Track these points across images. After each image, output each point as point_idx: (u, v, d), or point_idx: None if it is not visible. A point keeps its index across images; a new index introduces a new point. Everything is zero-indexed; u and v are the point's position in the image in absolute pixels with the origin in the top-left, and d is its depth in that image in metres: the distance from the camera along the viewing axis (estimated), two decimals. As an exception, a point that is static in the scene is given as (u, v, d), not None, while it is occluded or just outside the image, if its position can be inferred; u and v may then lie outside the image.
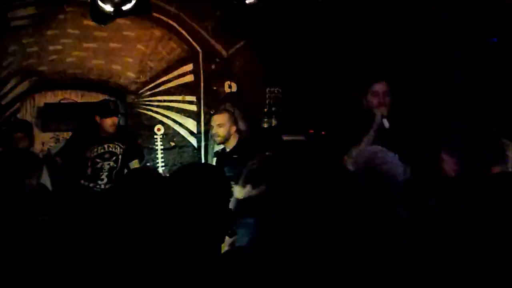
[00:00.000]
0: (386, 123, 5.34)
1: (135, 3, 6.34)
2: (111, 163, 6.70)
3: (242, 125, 6.96)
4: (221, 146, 6.72)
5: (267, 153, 5.70)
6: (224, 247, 3.24)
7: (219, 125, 6.37)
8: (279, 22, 7.23)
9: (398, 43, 7.15)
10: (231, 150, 6.41)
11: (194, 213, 2.70)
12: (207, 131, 7.76)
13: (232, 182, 4.37)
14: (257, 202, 3.52)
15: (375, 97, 5.45)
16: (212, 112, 7.65)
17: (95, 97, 7.39)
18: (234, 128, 6.42)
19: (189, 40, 7.82)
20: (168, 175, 7.21)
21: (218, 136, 6.41)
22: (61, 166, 6.58)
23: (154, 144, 7.77)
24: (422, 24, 7.00)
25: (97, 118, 6.59)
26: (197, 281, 2.53)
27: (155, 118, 7.80)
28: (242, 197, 5.20)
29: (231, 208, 3.03)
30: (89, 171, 6.62)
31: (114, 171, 6.73)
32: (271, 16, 7.10)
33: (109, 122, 6.57)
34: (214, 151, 7.50)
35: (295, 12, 7.09)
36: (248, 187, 5.67)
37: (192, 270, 2.55)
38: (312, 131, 6.88)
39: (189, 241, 2.65)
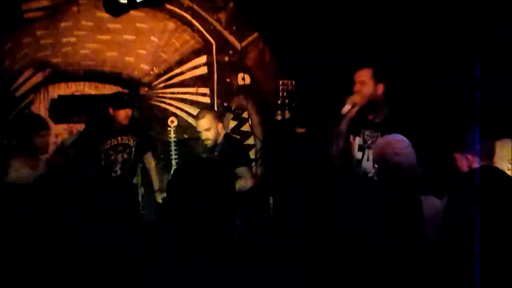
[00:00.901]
0: (346, 108, 5.40)
1: None
2: (125, 155, 6.75)
3: (254, 117, 7.01)
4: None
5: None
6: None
7: (207, 130, 6.34)
8: (292, 14, 7.14)
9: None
10: (222, 147, 6.39)
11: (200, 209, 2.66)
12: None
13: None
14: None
15: (356, 84, 5.51)
16: (226, 105, 7.82)
17: (109, 89, 7.40)
18: (220, 125, 6.41)
19: (203, 32, 7.80)
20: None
21: (209, 139, 6.38)
22: (75, 157, 6.54)
23: (168, 137, 7.75)
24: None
25: (111, 110, 6.61)
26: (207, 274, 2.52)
27: (168, 110, 7.78)
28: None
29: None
30: (103, 163, 6.65)
31: (127, 163, 6.79)
32: (285, 8, 7.03)
33: (123, 114, 6.59)
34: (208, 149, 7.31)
35: (309, 4, 7.01)
36: (245, 178, 5.98)
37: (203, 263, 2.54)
38: (299, 129, 6.98)
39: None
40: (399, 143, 3.85)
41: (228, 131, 7.07)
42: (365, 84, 5.43)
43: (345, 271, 2.69)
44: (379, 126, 5.31)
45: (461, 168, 4.36)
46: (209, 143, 6.40)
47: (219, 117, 6.61)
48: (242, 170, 5.98)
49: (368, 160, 5.10)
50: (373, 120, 5.41)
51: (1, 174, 5.60)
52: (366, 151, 5.23)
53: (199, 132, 6.42)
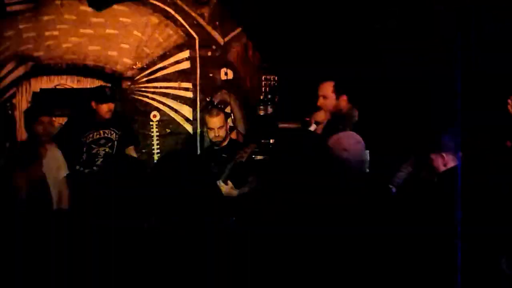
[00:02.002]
0: (312, 128, 5.49)
1: None
2: (106, 149, 6.73)
3: (237, 112, 7.03)
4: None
5: (262, 141, 5.81)
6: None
7: (220, 128, 6.42)
8: (276, 10, 7.11)
9: (397, 39, 6.96)
10: (222, 148, 6.47)
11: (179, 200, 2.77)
12: (202, 118, 7.67)
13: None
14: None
15: (319, 99, 5.60)
16: (208, 100, 7.79)
17: (91, 83, 7.39)
18: (227, 126, 6.54)
19: (186, 27, 7.77)
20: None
21: (221, 137, 6.44)
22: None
23: (150, 131, 7.75)
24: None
25: (93, 104, 6.62)
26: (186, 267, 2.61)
27: (151, 104, 7.77)
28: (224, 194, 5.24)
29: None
30: (84, 156, 6.64)
31: (109, 157, 6.69)
32: (268, 4, 7.03)
33: (105, 108, 6.60)
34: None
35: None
36: (230, 185, 5.81)
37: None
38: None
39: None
40: (348, 139, 3.84)
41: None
42: (327, 98, 5.52)
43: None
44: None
45: (438, 168, 4.41)
46: (219, 140, 6.47)
47: (226, 117, 6.70)
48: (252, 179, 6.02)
49: None
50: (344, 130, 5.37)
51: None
52: None
53: (212, 129, 6.43)
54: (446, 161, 4.40)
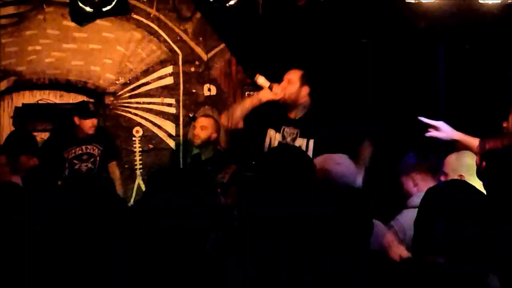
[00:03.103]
0: (261, 79, 5.38)
1: (114, 4, 6.53)
2: (89, 165, 6.77)
3: (220, 128, 6.88)
4: (197, 151, 6.88)
5: (246, 173, 5.75)
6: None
7: (202, 127, 6.52)
8: (258, 26, 7.12)
9: (379, 49, 7.04)
10: (206, 160, 6.55)
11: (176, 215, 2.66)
12: (185, 134, 7.81)
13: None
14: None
15: (283, 81, 5.50)
16: (190, 115, 7.73)
17: (74, 98, 7.40)
18: (215, 135, 6.55)
19: (169, 43, 7.76)
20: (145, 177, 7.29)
21: (199, 138, 6.55)
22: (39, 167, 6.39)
23: (132, 146, 7.73)
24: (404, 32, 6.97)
25: (76, 120, 6.66)
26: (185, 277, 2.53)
27: (133, 120, 7.75)
28: None
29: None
30: (66, 172, 6.68)
31: (92, 172, 6.77)
32: (251, 20, 7.03)
33: (89, 124, 6.64)
34: (193, 153, 7.46)
35: (274, 15, 7.03)
36: None
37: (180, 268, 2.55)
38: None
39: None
40: (338, 155, 3.82)
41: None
42: (292, 83, 5.46)
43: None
44: (299, 124, 5.41)
45: (409, 191, 4.36)
46: (198, 141, 6.58)
47: (218, 129, 6.66)
48: None
49: None
50: (294, 118, 5.46)
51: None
52: None
53: (195, 127, 6.68)
54: (415, 182, 4.36)
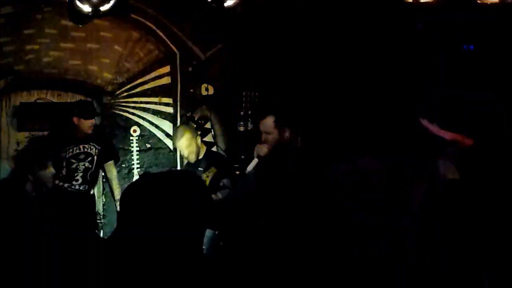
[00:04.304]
0: (250, 167, 5.51)
1: (113, 4, 6.49)
2: (86, 164, 6.75)
3: (217, 128, 7.18)
4: None
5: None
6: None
7: (188, 148, 6.47)
8: (256, 26, 7.31)
9: (375, 52, 7.21)
10: (196, 161, 6.52)
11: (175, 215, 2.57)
12: None
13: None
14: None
15: (262, 134, 5.63)
16: (188, 115, 7.78)
17: (72, 97, 7.40)
18: (199, 139, 6.55)
19: (167, 42, 7.81)
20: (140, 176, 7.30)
21: (192, 155, 6.49)
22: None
23: (130, 146, 7.75)
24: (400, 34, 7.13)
25: (75, 119, 6.63)
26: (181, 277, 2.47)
27: (131, 119, 7.78)
28: None
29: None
30: (64, 171, 6.65)
31: (89, 172, 6.79)
32: (249, 20, 7.15)
33: (88, 124, 6.65)
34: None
35: (272, 16, 7.15)
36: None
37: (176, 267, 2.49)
38: None
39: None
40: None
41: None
42: (270, 133, 5.54)
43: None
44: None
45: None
46: (192, 158, 6.50)
47: (195, 131, 6.72)
48: (226, 181, 6.18)
49: None
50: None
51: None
52: None
53: (181, 150, 6.59)
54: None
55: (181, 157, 7.74)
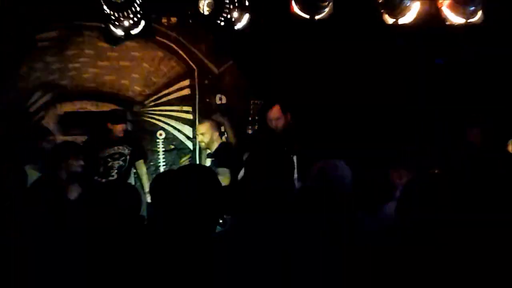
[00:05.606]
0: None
1: (141, 29, 6.51)
2: (120, 162, 7.03)
3: (229, 131, 7.12)
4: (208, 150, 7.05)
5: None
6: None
7: (202, 134, 6.77)
8: (261, 46, 7.37)
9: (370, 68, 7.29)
10: (211, 153, 6.86)
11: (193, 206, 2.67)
12: None
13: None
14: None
15: (270, 122, 6.10)
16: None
17: (107, 107, 7.52)
18: (216, 134, 6.82)
19: (186, 60, 7.98)
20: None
21: (202, 142, 6.85)
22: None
23: (157, 147, 7.97)
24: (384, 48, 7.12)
25: (109, 125, 6.90)
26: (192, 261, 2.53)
27: (157, 124, 7.96)
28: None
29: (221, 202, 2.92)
30: (101, 169, 6.92)
31: (123, 169, 7.05)
32: (255, 41, 7.17)
33: (119, 128, 6.90)
34: (207, 153, 7.50)
35: (273, 38, 7.20)
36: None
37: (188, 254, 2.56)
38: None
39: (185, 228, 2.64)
40: (336, 161, 3.86)
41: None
42: (280, 118, 6.05)
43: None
44: (291, 148, 5.77)
45: (394, 182, 4.52)
46: (202, 145, 6.85)
47: (217, 127, 6.93)
48: (223, 170, 6.28)
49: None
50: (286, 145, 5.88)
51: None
52: None
53: (197, 135, 6.86)
54: (401, 177, 4.47)
55: (200, 155, 8.01)
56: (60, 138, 7.05)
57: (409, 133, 6.83)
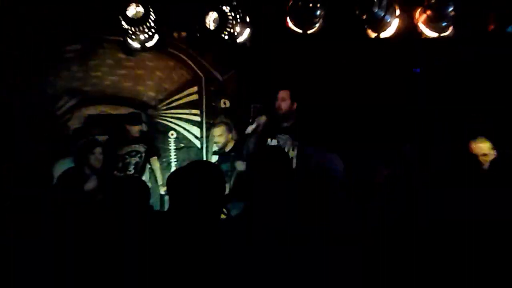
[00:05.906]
0: (249, 130, 5.84)
1: (155, 42, 6.68)
2: (137, 159, 7.37)
3: (233, 132, 7.30)
4: (216, 148, 7.35)
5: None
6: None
7: (219, 136, 7.02)
8: (260, 56, 7.60)
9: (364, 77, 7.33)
10: (229, 150, 7.06)
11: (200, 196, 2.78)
12: (207, 136, 8.24)
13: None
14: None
15: (276, 101, 5.99)
16: (211, 122, 8.20)
17: (125, 110, 7.81)
18: (230, 135, 7.10)
19: (195, 69, 8.25)
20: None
21: (219, 143, 7.07)
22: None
23: (168, 145, 8.28)
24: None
25: (127, 126, 7.27)
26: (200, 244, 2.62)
27: (169, 126, 8.25)
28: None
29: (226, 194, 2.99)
30: (120, 164, 7.26)
31: (139, 165, 7.40)
32: (254, 52, 7.24)
33: (136, 129, 7.27)
34: (213, 150, 7.96)
35: (271, 49, 7.44)
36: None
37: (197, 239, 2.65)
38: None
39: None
40: (331, 154, 3.87)
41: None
42: (285, 101, 5.95)
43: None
44: (288, 131, 5.88)
45: (378, 177, 4.60)
46: (220, 145, 7.03)
47: (230, 130, 7.12)
48: (241, 162, 6.42)
49: None
50: (285, 127, 5.94)
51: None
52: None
53: (214, 136, 7.03)
54: (386, 172, 4.55)
55: (207, 153, 8.27)
56: (84, 137, 7.16)
57: (409, 133, 6.83)
